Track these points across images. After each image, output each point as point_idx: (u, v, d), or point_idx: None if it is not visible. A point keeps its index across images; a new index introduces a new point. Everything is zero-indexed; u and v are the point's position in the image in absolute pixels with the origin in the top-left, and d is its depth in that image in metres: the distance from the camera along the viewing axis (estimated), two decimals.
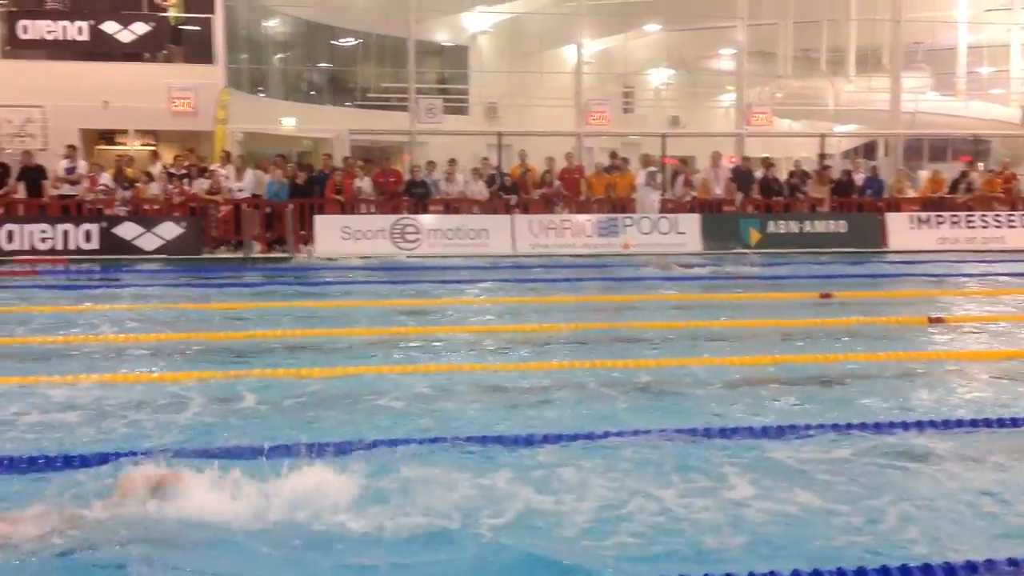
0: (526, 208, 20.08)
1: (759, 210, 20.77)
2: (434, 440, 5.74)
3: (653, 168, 20.56)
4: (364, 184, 19.65)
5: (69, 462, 5.32)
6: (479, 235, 18.95)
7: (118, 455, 5.38)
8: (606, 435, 5.84)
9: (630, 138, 27.83)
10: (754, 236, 19.67)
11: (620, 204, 20.40)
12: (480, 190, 20.20)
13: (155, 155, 21.56)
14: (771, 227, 19.94)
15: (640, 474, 5.22)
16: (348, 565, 4.09)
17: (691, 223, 19.72)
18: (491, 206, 19.97)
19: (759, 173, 21.46)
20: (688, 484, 5.09)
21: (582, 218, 19.67)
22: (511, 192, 20.21)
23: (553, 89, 27.68)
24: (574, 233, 19.30)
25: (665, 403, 6.98)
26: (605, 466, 5.33)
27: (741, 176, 21.19)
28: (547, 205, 20.34)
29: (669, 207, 20.37)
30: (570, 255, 18.45)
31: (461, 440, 5.73)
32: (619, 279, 15.18)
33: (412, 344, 9.32)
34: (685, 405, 6.89)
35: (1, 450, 5.59)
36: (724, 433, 5.94)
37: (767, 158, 23.37)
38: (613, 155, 22.13)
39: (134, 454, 5.35)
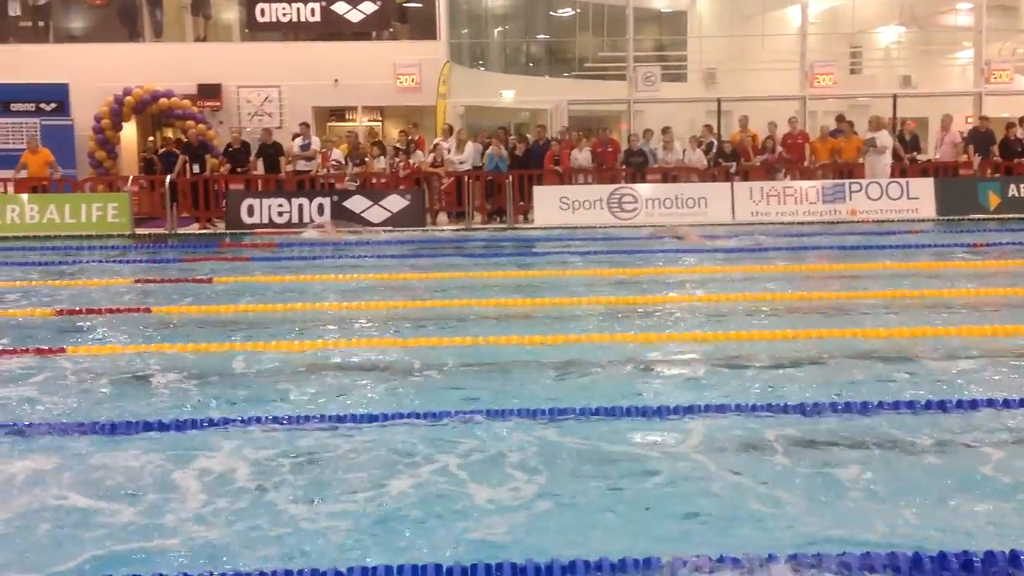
0: (746, 175, 19.64)
1: (999, 173, 19.52)
2: (657, 409, 5.77)
3: (885, 131, 19.58)
4: (582, 155, 19.73)
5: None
6: (697, 204, 18.65)
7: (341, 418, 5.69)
8: (833, 407, 5.72)
9: (858, 100, 26.67)
10: (993, 200, 18.50)
11: (847, 170, 19.61)
12: (698, 158, 19.87)
13: (372, 132, 22.35)
14: (1012, 191, 18.69)
15: (873, 448, 5.08)
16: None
17: (924, 188, 18.70)
18: (710, 174, 19.64)
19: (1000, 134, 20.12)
20: (934, 457, 4.94)
21: (805, 184, 19.03)
22: (730, 159, 19.81)
23: (775, 52, 26.78)
24: (797, 200, 18.69)
25: (902, 373, 6.72)
26: (844, 439, 5.24)
27: (979, 137, 19.92)
28: (768, 172, 19.80)
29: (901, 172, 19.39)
30: (793, 223, 17.92)
31: (704, 408, 5.74)
32: (844, 247, 14.61)
33: (630, 313, 9.33)
34: (924, 376, 6.61)
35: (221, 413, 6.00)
36: (961, 405, 5.71)
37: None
38: (840, 118, 21.25)
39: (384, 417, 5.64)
